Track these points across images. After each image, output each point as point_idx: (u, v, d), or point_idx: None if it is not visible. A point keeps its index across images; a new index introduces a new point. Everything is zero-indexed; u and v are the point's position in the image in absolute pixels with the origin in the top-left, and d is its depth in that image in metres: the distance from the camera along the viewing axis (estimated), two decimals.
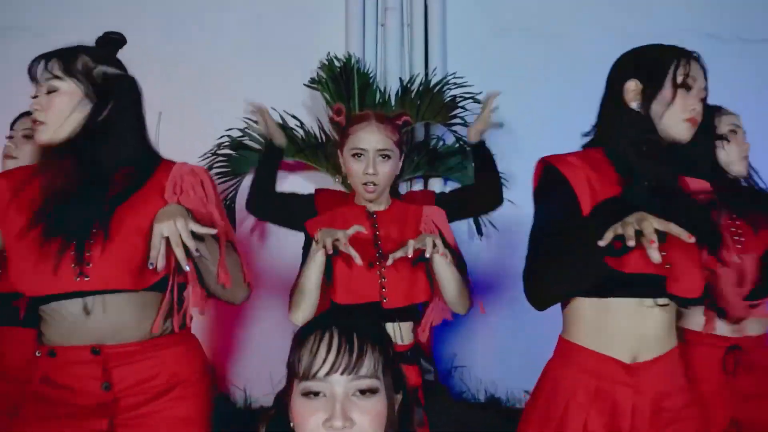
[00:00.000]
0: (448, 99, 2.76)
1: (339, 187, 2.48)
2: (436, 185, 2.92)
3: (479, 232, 2.90)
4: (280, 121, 2.77)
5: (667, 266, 1.07)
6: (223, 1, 3.03)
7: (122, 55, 3.15)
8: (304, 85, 2.87)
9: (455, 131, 2.78)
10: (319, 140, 2.79)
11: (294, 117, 2.78)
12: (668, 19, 3.09)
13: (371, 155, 1.45)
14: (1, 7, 2.99)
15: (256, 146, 2.76)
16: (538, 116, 3.03)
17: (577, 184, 1.13)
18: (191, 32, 3.00)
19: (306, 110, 2.94)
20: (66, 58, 1.26)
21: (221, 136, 2.75)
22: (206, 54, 3.00)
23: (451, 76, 2.78)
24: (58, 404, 1.13)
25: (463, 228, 2.97)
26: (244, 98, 2.90)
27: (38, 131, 1.20)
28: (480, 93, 2.74)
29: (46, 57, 1.27)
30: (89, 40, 3.14)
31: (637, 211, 0.98)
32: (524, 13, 3.08)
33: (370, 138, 1.46)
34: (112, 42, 1.40)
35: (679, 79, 1.16)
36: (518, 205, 2.95)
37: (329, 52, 2.85)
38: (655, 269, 1.03)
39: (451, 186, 3.01)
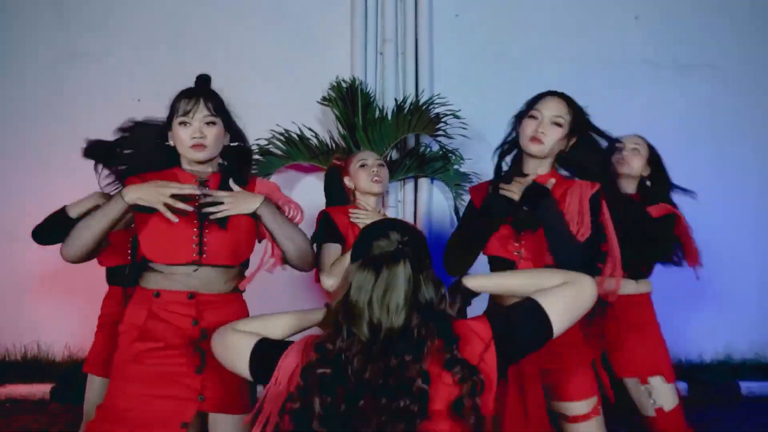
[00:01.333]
0: (434, 115, 3.24)
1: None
2: (424, 184, 3.42)
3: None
4: (299, 133, 3.28)
5: (516, 253, 1.61)
6: (252, 32, 3.52)
7: (169, 78, 3.62)
8: (318, 102, 3.36)
9: (439, 141, 3.27)
10: (330, 147, 3.28)
11: (310, 129, 3.28)
12: (615, 47, 3.58)
13: (371, 164, 1.96)
14: (70, 37, 3.48)
15: (279, 153, 3.25)
16: (504, 127, 3.48)
17: (475, 199, 1.76)
18: (225, 58, 3.50)
19: (319, 123, 3.44)
20: (218, 100, 1.65)
21: (251, 145, 3.22)
22: (238, 76, 3.47)
23: (436, 96, 3.27)
24: (159, 339, 1.45)
25: (445, 218, 3.47)
26: (268, 112, 3.41)
27: (200, 152, 1.53)
28: (459, 110, 3.24)
29: (200, 96, 1.61)
30: (140, 65, 3.61)
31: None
32: (496, 43, 3.57)
33: (371, 154, 2.08)
34: (208, 80, 1.78)
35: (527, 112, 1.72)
36: None
37: (337, 76, 3.34)
38: (507, 254, 1.61)
39: (438, 185, 3.49)
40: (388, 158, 3.29)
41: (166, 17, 3.48)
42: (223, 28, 3.50)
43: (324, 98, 3.35)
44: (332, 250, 1.83)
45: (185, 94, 1.63)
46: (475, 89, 3.49)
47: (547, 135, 1.64)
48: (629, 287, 1.89)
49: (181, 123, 1.57)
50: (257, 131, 3.24)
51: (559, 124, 1.66)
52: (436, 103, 3.25)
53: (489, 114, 3.58)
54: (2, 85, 3.45)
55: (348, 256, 1.57)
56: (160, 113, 3.53)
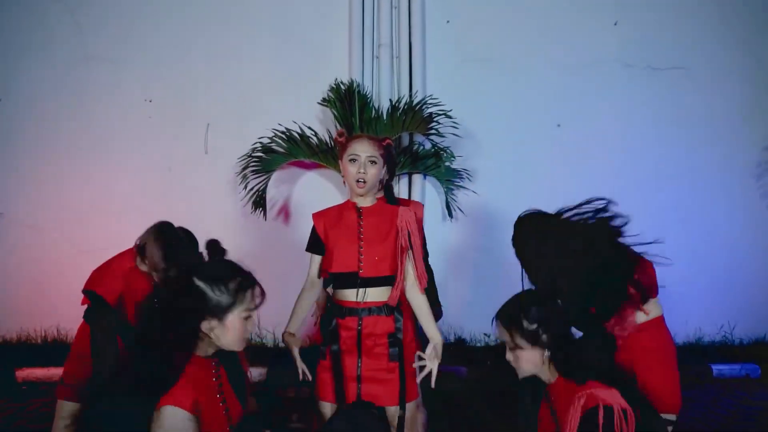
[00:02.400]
0: (426, 115, 3.35)
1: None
2: (417, 180, 3.54)
3: (450, 215, 3.53)
4: (300, 132, 3.38)
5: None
6: (256, 38, 3.62)
7: (178, 80, 3.73)
8: (318, 103, 3.47)
9: (432, 139, 3.39)
10: (329, 145, 3.40)
11: (310, 128, 3.39)
12: (595, 51, 3.69)
13: (362, 160, 1.77)
14: (85, 40, 3.56)
15: (281, 150, 3.36)
16: (493, 126, 3.64)
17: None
18: (231, 60, 3.61)
19: (319, 122, 3.55)
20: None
21: (255, 143, 3.34)
22: (243, 79, 3.59)
23: (429, 97, 3.38)
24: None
25: (437, 211, 3.59)
26: (271, 112, 3.52)
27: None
28: (450, 110, 3.35)
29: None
30: (152, 67, 3.72)
31: None
32: (484, 48, 3.68)
33: (362, 148, 1.80)
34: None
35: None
36: (480, 194, 3.60)
37: (336, 78, 3.45)
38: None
39: (430, 180, 3.62)
40: None
41: (177, 23, 3.57)
42: (229, 34, 3.60)
43: (324, 99, 3.45)
44: (312, 260, 1.89)
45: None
46: (466, 91, 3.60)
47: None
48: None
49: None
50: (261, 130, 3.36)
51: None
52: (429, 104, 3.36)
53: (479, 114, 3.73)
54: (20, 86, 3.55)
55: (299, 310, 1.83)
56: (171, 113, 3.65)
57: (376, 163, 1.80)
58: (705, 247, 3.70)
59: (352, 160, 1.79)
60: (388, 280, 1.79)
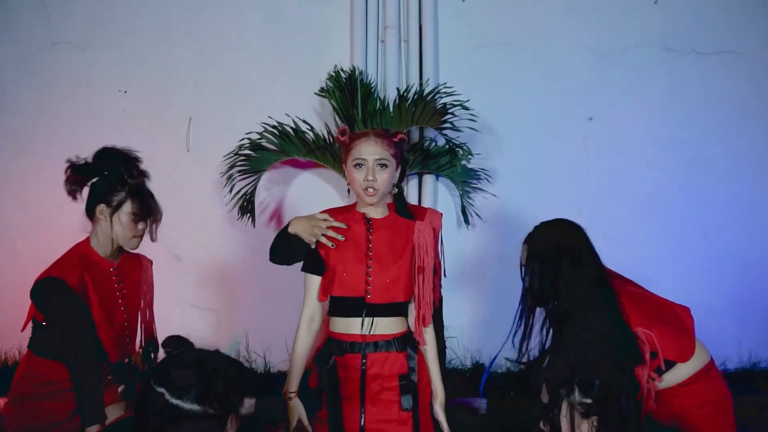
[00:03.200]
0: (440, 106, 2.88)
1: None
2: (429, 181, 3.06)
3: (466, 221, 3.05)
4: (294, 126, 2.92)
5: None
6: (245, 19, 3.15)
7: (164, 69, 3.31)
8: (315, 93, 3.00)
9: (446, 134, 2.90)
10: (327, 142, 2.93)
11: (305, 122, 2.92)
12: (632, 34, 3.20)
13: (370, 164, 1.48)
14: (51, 23, 3.13)
15: (272, 147, 2.90)
16: (515, 120, 3.15)
17: None
18: (216, 45, 3.14)
19: (316, 115, 3.08)
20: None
21: (242, 139, 2.88)
22: (231, 67, 3.13)
23: (442, 86, 2.90)
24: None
25: (451, 216, 3.11)
26: (262, 104, 3.06)
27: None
28: (468, 100, 2.87)
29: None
30: (127, 54, 3.28)
31: None
32: (504, 31, 3.19)
33: (370, 150, 1.49)
34: None
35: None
36: (500, 198, 3.11)
37: (336, 65, 2.98)
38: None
39: (444, 182, 3.15)
40: None
41: (155, 3, 3.12)
42: (214, 16, 3.13)
43: (321, 89, 2.99)
44: (309, 283, 1.55)
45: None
46: (484, 79, 3.11)
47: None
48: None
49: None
50: (249, 124, 2.90)
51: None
52: (443, 93, 2.87)
53: (498, 106, 3.23)
54: None
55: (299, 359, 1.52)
56: (148, 105, 3.20)
57: (387, 166, 1.50)
58: (761, 255, 3.19)
59: (358, 165, 1.50)
60: (399, 309, 1.53)
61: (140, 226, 1.67)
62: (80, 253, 1.65)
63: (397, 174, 1.56)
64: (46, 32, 3.09)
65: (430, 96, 2.85)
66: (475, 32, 3.16)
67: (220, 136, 3.01)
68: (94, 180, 1.67)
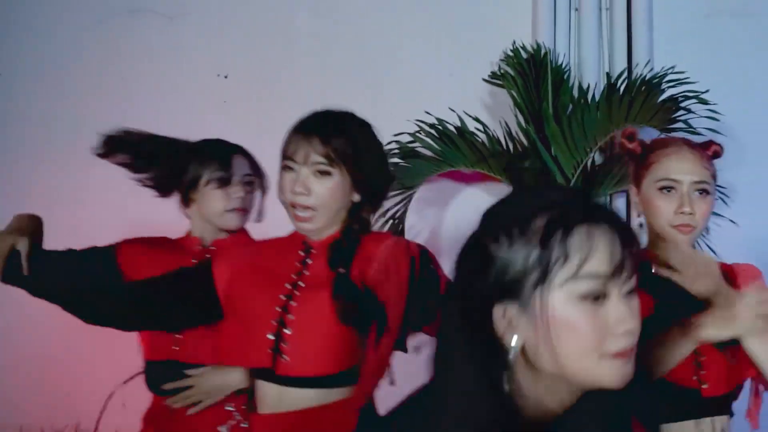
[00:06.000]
0: (666, 98, 1.97)
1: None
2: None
3: None
4: (460, 124, 2.03)
5: None
6: None
7: (276, 47, 2.44)
8: (484, 80, 2.10)
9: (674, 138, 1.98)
10: (505, 147, 2.04)
11: (476, 119, 2.02)
12: None
13: (686, 189, 1.03)
14: None
15: (430, 153, 2.02)
16: (763, 117, 2.20)
17: None
18: (356, 18, 2.23)
19: (487, 111, 2.17)
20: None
21: (389, 142, 2.00)
22: (367, 43, 2.24)
23: (670, 71, 1.98)
24: None
25: None
26: (414, 96, 2.20)
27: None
28: (706, 91, 1.95)
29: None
30: (232, 30, 2.43)
31: None
32: None
33: (685, 167, 1.03)
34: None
35: None
36: (740, 226, 2.17)
37: (514, 42, 2.09)
38: None
39: None
40: (588, 162, 2.04)
41: None
42: None
43: (493, 74, 2.10)
44: None
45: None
46: (716, 61, 2.15)
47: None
48: None
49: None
50: (399, 123, 2.03)
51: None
52: (671, 81, 1.96)
53: (737, 98, 2.27)
54: (46, 41, 2.32)
55: None
56: (251, 91, 2.39)
57: (708, 193, 1.06)
58: None
59: (666, 189, 1.04)
60: None
61: (235, 193, 1.21)
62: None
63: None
64: None
65: (654, 83, 1.95)
66: None
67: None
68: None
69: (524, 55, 2.03)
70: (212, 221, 1.24)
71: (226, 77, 2.27)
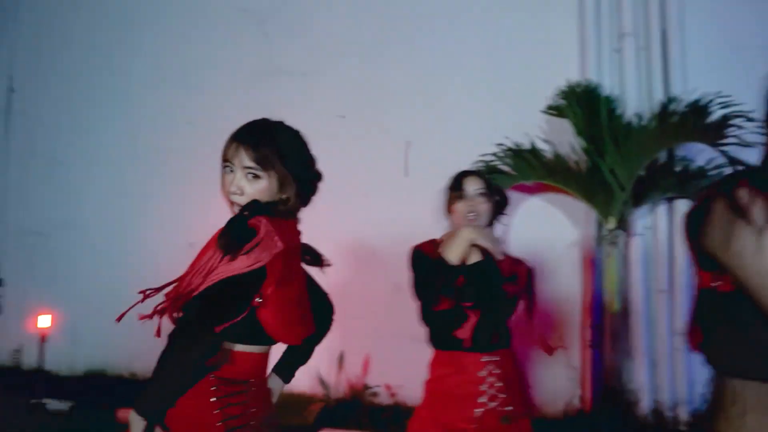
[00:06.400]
0: (718, 118, 2.32)
1: None
2: (683, 207, 2.56)
3: None
4: (532, 145, 2.54)
5: None
6: (461, 40, 2.82)
7: (381, 93, 3.05)
8: (541, 111, 2.56)
9: (726, 151, 2.32)
10: (570, 164, 2.53)
11: (548, 141, 2.50)
12: None
13: None
14: (273, 52, 3.02)
15: (508, 170, 2.55)
16: None
17: None
18: (433, 68, 2.83)
19: (543, 135, 2.65)
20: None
21: (476, 161, 2.55)
22: (447, 87, 2.82)
23: (717, 96, 2.34)
24: None
25: None
26: (481, 127, 2.73)
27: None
28: (753, 111, 2.36)
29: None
30: (345, 79, 3.07)
31: None
32: (763, 28, 2.65)
33: None
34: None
35: None
36: None
37: (567, 80, 2.58)
38: None
39: None
40: (635, 176, 2.47)
41: (372, 30, 2.91)
42: (431, 38, 2.83)
43: (550, 107, 2.60)
44: None
45: None
46: (748, 90, 2.58)
47: None
48: None
49: None
50: (470, 148, 2.53)
51: None
52: (719, 103, 2.32)
53: None
54: (203, 97, 3.04)
55: None
56: (364, 129, 3.00)
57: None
58: None
59: None
60: None
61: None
62: None
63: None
64: (267, 60, 2.98)
65: (703, 107, 2.36)
66: (727, 34, 2.65)
67: (439, 160, 2.72)
68: None
69: (577, 89, 2.53)
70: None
71: (343, 117, 2.91)
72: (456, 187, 1.39)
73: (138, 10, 3.24)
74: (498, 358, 1.26)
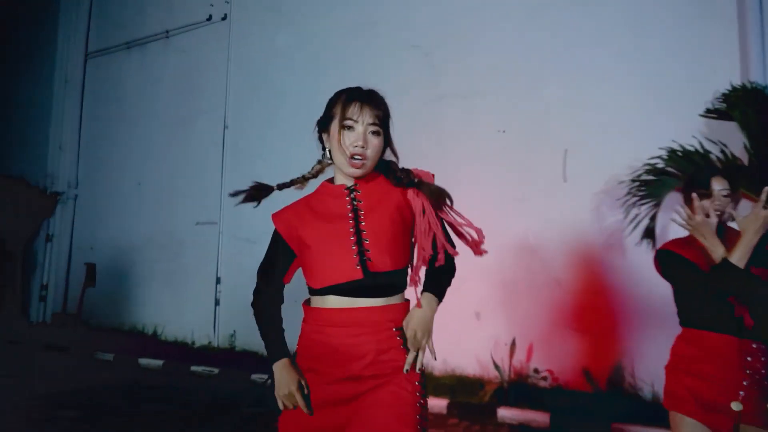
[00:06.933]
0: None
1: None
2: None
3: None
4: (702, 147, 2.66)
5: None
6: (615, 51, 3.03)
7: (539, 107, 3.33)
8: (700, 115, 2.71)
9: None
10: (739, 163, 2.63)
11: (721, 143, 2.60)
12: None
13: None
14: (439, 79, 3.47)
15: (676, 172, 2.71)
16: None
17: None
18: (588, 79, 3.06)
19: (702, 138, 2.74)
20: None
21: (644, 164, 2.70)
22: (602, 97, 3.03)
23: None
24: None
25: None
26: (637, 132, 2.92)
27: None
28: None
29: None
30: (504, 98, 3.39)
31: None
32: None
33: None
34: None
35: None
36: None
37: (730, 82, 2.70)
38: None
39: None
40: None
41: (526, 49, 3.24)
42: (582, 51, 3.07)
43: (709, 110, 2.74)
44: None
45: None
46: None
47: None
48: None
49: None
50: (628, 153, 2.75)
51: None
52: None
53: None
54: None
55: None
56: (523, 143, 3.30)
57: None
58: None
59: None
60: None
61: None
62: None
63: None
64: (433, 88, 3.43)
65: None
66: None
67: (595, 166, 2.97)
68: None
69: (738, 92, 2.63)
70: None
71: (504, 132, 3.26)
72: (704, 185, 1.37)
73: (324, 55, 3.86)
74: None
